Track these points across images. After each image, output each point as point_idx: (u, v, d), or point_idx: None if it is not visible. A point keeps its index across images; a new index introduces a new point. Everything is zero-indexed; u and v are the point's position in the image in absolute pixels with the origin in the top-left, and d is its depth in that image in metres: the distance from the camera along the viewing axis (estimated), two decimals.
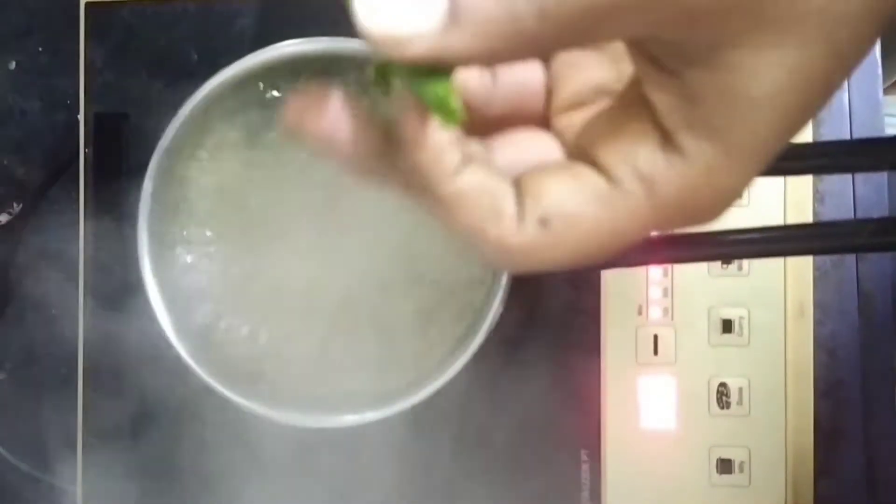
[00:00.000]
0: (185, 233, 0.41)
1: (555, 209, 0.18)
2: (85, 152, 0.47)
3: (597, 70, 0.21)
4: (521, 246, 0.18)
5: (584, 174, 0.18)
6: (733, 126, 0.17)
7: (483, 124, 0.20)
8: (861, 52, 0.17)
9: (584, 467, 0.44)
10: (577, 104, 0.21)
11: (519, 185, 0.18)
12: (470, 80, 0.19)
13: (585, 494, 0.44)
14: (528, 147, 0.21)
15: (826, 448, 0.43)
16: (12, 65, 0.49)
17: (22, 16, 0.50)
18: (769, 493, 0.43)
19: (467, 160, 0.18)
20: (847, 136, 0.44)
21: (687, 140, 0.17)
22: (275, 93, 0.40)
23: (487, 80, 0.20)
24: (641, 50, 0.17)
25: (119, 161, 0.45)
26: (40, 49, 0.49)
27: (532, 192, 0.18)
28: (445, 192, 0.18)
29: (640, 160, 0.18)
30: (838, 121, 0.44)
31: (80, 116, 0.47)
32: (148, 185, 0.38)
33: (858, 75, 0.44)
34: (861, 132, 0.44)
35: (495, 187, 0.18)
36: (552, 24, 0.15)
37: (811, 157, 0.32)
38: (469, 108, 0.19)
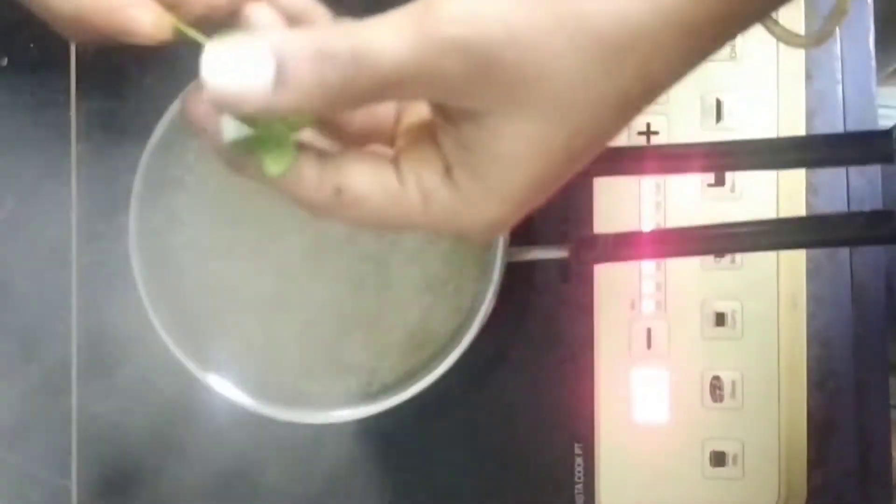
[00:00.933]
0: (175, 228, 0.41)
1: (348, 183, 0.23)
2: (77, 148, 0.46)
3: (425, 107, 0.25)
4: (318, 202, 0.23)
5: (384, 169, 0.23)
6: (490, 174, 0.22)
7: (345, 136, 0.25)
8: (608, 130, 0.22)
9: (578, 460, 0.44)
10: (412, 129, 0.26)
11: (334, 160, 0.23)
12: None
13: (579, 487, 0.44)
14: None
15: (819, 440, 0.43)
16: (4, 61, 0.49)
17: (13, 12, 0.49)
18: (763, 486, 0.43)
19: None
20: (841, 129, 0.44)
21: (459, 175, 0.22)
22: None
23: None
24: (432, 102, 0.23)
25: (111, 157, 0.45)
26: (31, 45, 0.49)
27: (336, 165, 0.23)
28: None
29: (424, 176, 0.23)
30: (832, 113, 0.44)
31: (72, 112, 0.47)
32: (139, 182, 0.38)
33: (852, 67, 0.44)
34: (855, 124, 0.44)
35: (311, 162, 0.23)
36: (354, 90, 0.20)
37: (800, 151, 0.32)
38: (332, 123, 0.25)
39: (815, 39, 0.28)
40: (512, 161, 0.21)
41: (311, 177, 0.23)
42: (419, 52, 0.20)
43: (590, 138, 0.22)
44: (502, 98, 0.20)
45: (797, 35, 0.28)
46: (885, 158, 0.30)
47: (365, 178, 0.23)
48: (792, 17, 0.43)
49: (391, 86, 0.20)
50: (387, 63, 0.20)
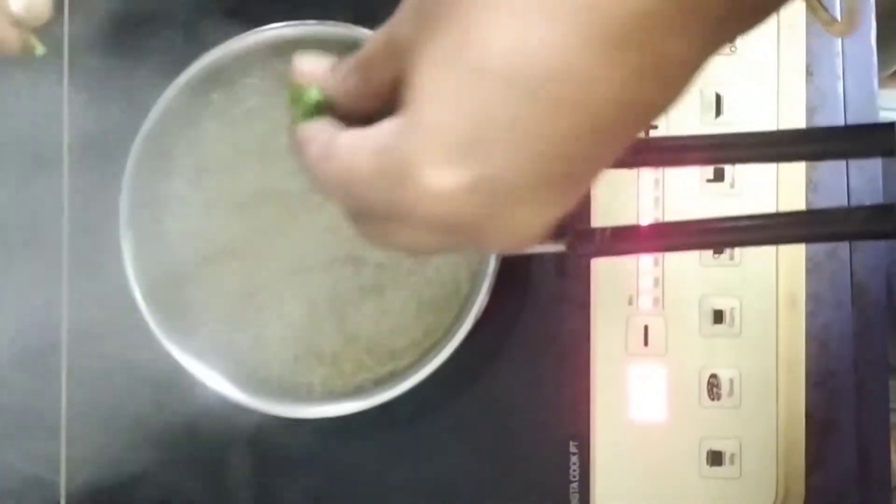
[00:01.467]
0: (165, 223, 0.40)
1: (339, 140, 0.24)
2: (68, 142, 0.46)
3: None
4: (314, 154, 0.24)
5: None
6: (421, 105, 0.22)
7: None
8: (609, 119, 0.21)
9: (574, 459, 0.43)
10: None
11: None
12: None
13: (574, 486, 0.43)
14: None
15: (818, 439, 0.43)
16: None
17: None
18: (760, 486, 0.42)
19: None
20: (842, 123, 0.44)
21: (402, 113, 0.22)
22: (251, 80, 0.40)
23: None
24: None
25: (102, 149, 0.44)
26: None
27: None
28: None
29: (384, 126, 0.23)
30: (832, 109, 0.44)
31: (64, 105, 0.46)
32: (128, 178, 0.38)
33: (853, 63, 0.44)
34: (856, 121, 0.44)
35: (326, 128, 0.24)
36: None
37: (800, 143, 0.32)
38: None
39: (849, 25, 0.27)
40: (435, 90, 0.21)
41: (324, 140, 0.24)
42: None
43: (579, 118, 0.20)
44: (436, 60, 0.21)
45: (836, 21, 0.28)
46: (886, 152, 0.29)
47: (351, 136, 0.23)
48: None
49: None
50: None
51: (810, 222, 0.31)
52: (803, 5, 0.43)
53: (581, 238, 0.35)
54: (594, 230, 0.35)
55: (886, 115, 0.99)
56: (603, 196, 0.43)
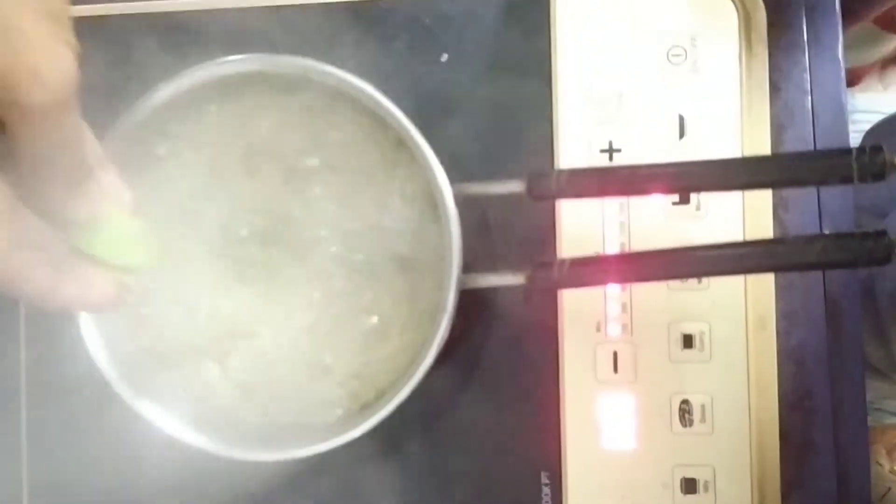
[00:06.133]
0: None
1: None
2: None
3: None
4: None
5: None
6: None
7: None
8: None
9: (546, 490, 0.42)
10: None
11: None
12: None
13: None
14: None
15: (797, 460, 0.42)
16: None
17: None
18: None
19: None
20: (810, 141, 0.43)
21: None
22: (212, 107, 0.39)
23: None
24: None
25: None
26: None
27: None
28: None
29: None
30: (801, 125, 0.43)
31: None
32: None
33: (821, 78, 0.43)
34: (825, 136, 0.43)
35: None
36: None
37: (761, 172, 0.31)
38: None
39: None
40: None
41: None
42: None
43: None
44: None
45: None
46: (845, 179, 0.29)
47: None
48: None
49: None
50: None
51: (768, 254, 0.30)
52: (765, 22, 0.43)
53: (540, 270, 0.35)
54: (553, 262, 0.34)
55: (865, 118, 0.99)
56: (568, 220, 0.43)
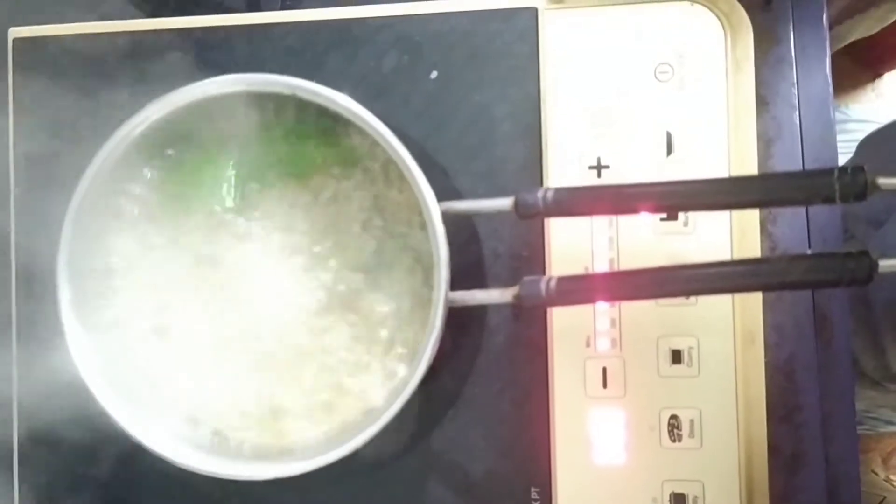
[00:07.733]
0: (108, 284, 0.39)
1: None
2: (15, 193, 0.45)
3: None
4: None
5: None
6: None
7: None
8: None
9: None
10: None
11: None
12: None
13: None
14: None
15: (786, 474, 0.42)
16: None
17: None
18: None
19: None
20: (799, 157, 0.43)
21: None
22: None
23: None
24: None
25: (47, 201, 0.43)
26: None
27: None
28: None
29: None
30: (789, 140, 0.43)
31: (10, 155, 0.46)
32: (66, 233, 0.37)
33: (808, 92, 0.43)
34: (813, 149, 0.43)
35: None
36: None
37: (745, 192, 0.31)
38: None
39: None
40: None
41: None
42: None
43: None
44: None
45: None
46: (826, 200, 0.29)
47: None
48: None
49: None
50: None
51: (753, 273, 0.30)
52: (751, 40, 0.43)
53: (528, 289, 0.35)
54: (540, 280, 0.35)
55: (859, 127, 0.99)
56: (557, 236, 0.43)
